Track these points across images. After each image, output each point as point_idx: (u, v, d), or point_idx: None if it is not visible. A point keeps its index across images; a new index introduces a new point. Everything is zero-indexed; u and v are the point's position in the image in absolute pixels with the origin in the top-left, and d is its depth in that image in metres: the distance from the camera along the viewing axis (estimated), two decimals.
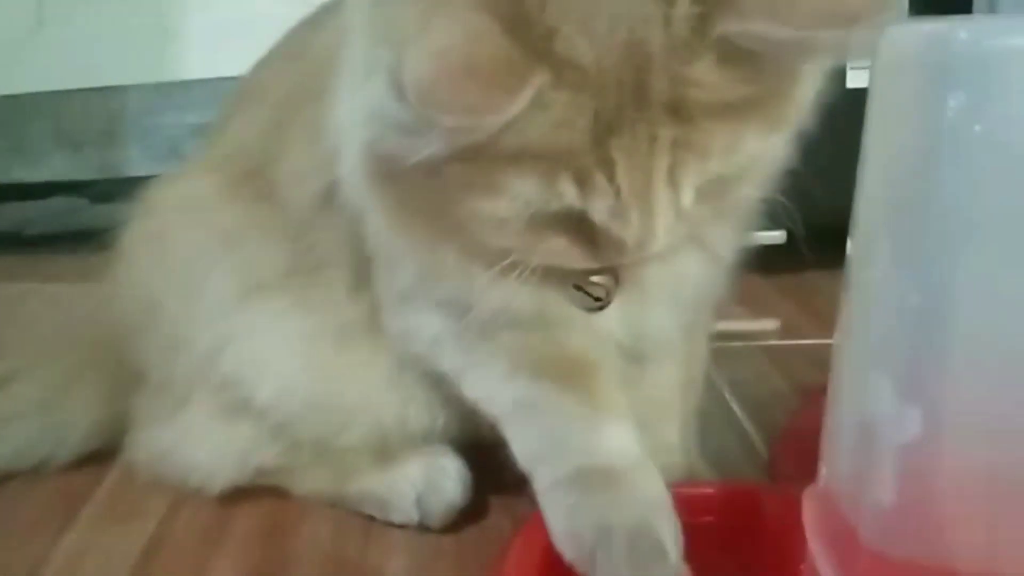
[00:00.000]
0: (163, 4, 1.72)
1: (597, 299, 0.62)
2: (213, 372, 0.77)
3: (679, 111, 0.50)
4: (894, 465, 0.48)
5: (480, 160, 0.51)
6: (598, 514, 0.59)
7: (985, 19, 0.45)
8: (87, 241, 0.83)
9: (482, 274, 0.60)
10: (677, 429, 0.74)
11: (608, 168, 0.51)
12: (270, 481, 0.81)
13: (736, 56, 0.49)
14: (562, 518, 0.60)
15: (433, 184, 0.54)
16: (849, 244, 0.53)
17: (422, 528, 0.76)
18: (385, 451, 0.77)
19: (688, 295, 0.67)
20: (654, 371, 0.73)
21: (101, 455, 0.88)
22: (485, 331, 0.65)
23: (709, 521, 0.66)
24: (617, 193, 0.51)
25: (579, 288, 0.62)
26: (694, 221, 0.56)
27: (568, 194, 0.52)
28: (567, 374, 0.65)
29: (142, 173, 0.86)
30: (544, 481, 0.63)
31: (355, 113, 0.59)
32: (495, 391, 0.67)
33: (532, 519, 0.62)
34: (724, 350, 0.96)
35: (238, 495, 0.81)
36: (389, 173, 0.57)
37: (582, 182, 0.51)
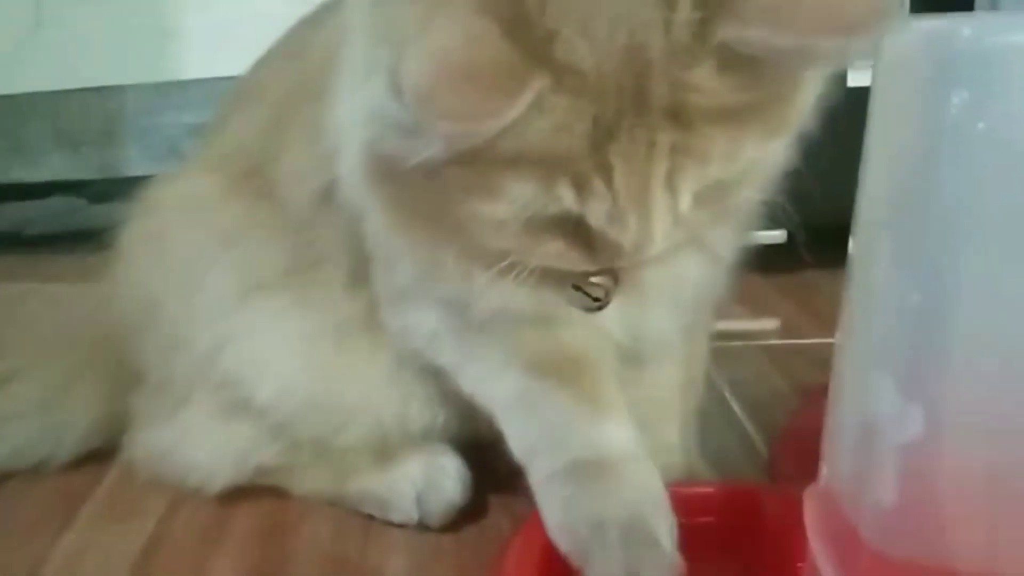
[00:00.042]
0: (161, 4, 1.72)
1: (596, 299, 0.62)
2: (213, 371, 0.77)
3: (678, 116, 0.50)
4: (895, 465, 0.48)
5: (479, 163, 0.50)
6: (592, 507, 0.59)
7: (988, 16, 0.45)
8: (86, 241, 0.83)
9: (481, 274, 0.60)
10: (677, 429, 0.74)
11: (606, 173, 0.51)
12: (269, 481, 0.81)
13: (736, 62, 0.49)
14: (557, 511, 0.60)
15: (432, 185, 0.54)
16: (851, 243, 0.52)
17: (422, 527, 0.76)
18: (385, 450, 0.77)
19: (688, 295, 0.67)
20: (654, 371, 0.73)
21: (100, 455, 0.88)
22: (483, 327, 0.65)
23: (709, 521, 0.66)
24: (615, 198, 0.51)
25: (578, 288, 0.62)
26: (693, 225, 0.56)
27: (566, 198, 0.52)
28: (564, 370, 0.65)
29: (141, 173, 0.86)
30: (539, 474, 0.63)
31: (355, 113, 0.59)
32: (492, 384, 0.67)
33: (531, 518, 0.62)
34: (724, 350, 0.96)
35: (237, 494, 0.81)
36: (388, 173, 0.56)
37: (580, 186, 0.51)
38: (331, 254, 0.72)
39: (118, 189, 0.87)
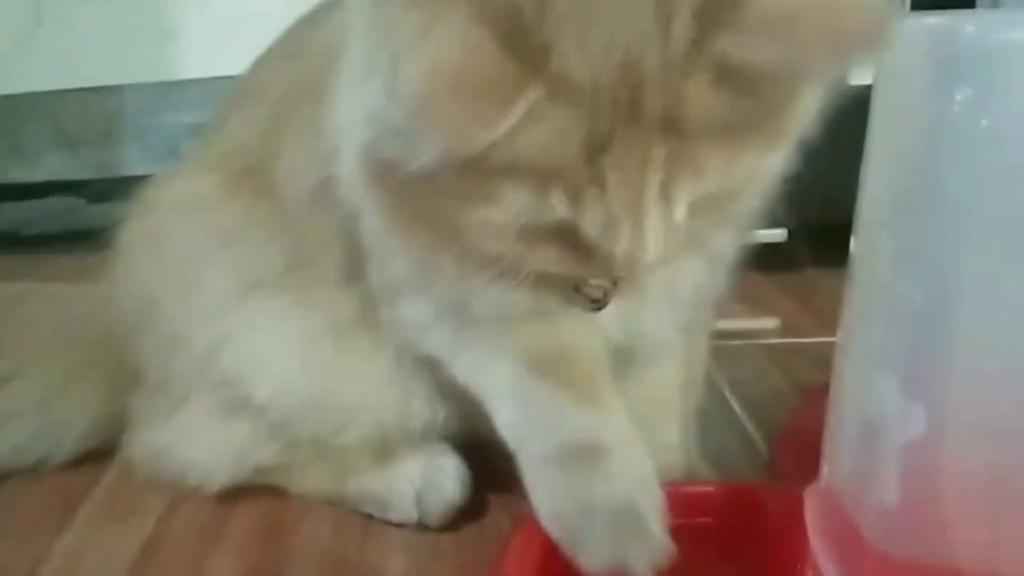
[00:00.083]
0: (161, 4, 1.71)
1: (595, 300, 0.62)
2: (211, 370, 0.77)
3: (673, 129, 0.50)
4: (897, 464, 0.48)
5: (474, 170, 0.50)
6: (580, 494, 0.59)
7: (990, 13, 0.45)
8: (85, 241, 0.83)
9: (478, 275, 0.60)
10: (677, 428, 0.74)
11: (600, 183, 0.51)
12: (268, 480, 0.81)
13: (733, 76, 0.48)
14: (547, 497, 0.60)
15: (429, 188, 0.54)
16: (852, 241, 0.52)
17: (421, 527, 0.76)
18: (384, 450, 0.77)
19: (686, 294, 0.67)
20: (654, 370, 0.73)
21: (99, 454, 0.88)
22: (477, 319, 0.65)
23: (709, 521, 0.65)
24: (608, 208, 0.51)
25: (577, 289, 0.62)
26: (689, 235, 0.56)
27: (560, 207, 0.51)
28: (557, 360, 0.64)
29: (140, 172, 0.86)
30: (529, 459, 0.63)
31: (354, 113, 0.59)
32: (484, 373, 0.67)
33: (530, 517, 0.62)
34: (724, 348, 0.96)
35: (236, 494, 0.81)
36: (386, 175, 0.56)
37: (574, 196, 0.51)
38: (327, 249, 0.71)
39: (117, 189, 0.87)
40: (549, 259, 0.56)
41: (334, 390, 0.74)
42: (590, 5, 0.49)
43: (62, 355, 0.91)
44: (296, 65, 0.74)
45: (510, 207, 0.52)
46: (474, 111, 0.47)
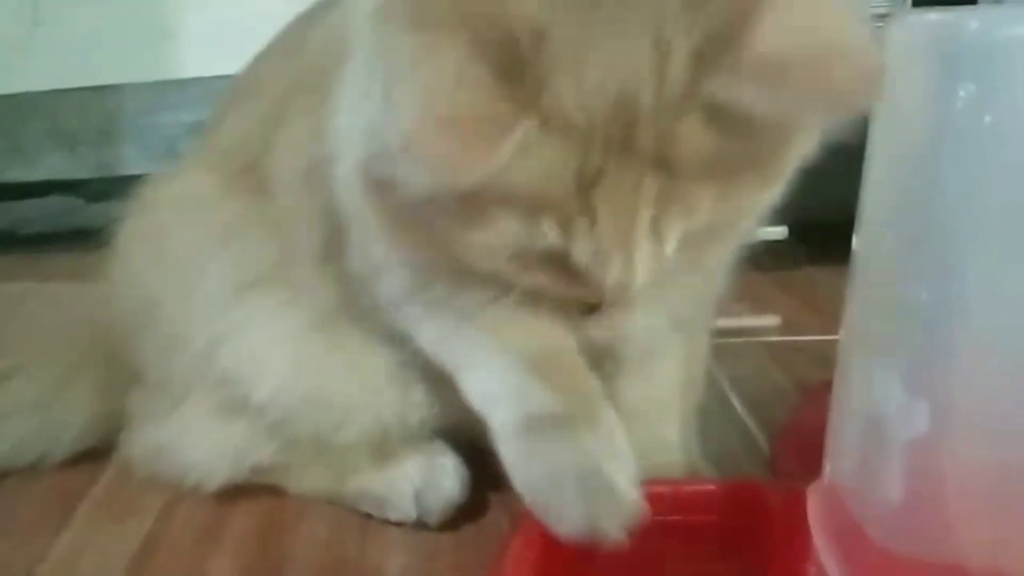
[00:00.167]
0: (159, 3, 1.72)
1: (589, 306, 0.62)
2: (210, 369, 0.76)
3: (665, 166, 0.50)
4: (901, 461, 0.47)
5: (466, 197, 0.50)
6: (549, 461, 0.59)
7: (993, 9, 0.45)
8: (83, 240, 0.83)
9: (472, 287, 0.61)
10: (677, 427, 0.74)
11: (590, 216, 0.51)
12: (267, 479, 0.80)
13: (725, 118, 0.48)
14: (517, 465, 0.61)
15: (425, 206, 0.54)
16: (854, 238, 0.52)
17: (420, 526, 0.75)
18: (383, 448, 0.77)
19: (675, 295, 0.66)
20: (653, 369, 0.72)
21: (97, 453, 0.88)
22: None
23: (711, 519, 0.65)
24: (598, 240, 0.51)
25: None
26: (681, 264, 0.56)
27: (550, 235, 0.52)
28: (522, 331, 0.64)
29: (138, 172, 0.85)
30: (500, 426, 0.62)
31: (353, 127, 0.59)
32: (452, 342, 0.67)
33: (530, 516, 0.61)
34: (725, 346, 0.95)
35: (235, 493, 0.80)
36: (384, 190, 0.57)
37: (565, 226, 0.51)
38: (310, 235, 0.71)
39: (116, 188, 0.86)
40: (541, 280, 0.57)
41: (332, 388, 0.74)
42: (587, 40, 0.48)
43: (61, 354, 0.91)
44: (295, 62, 0.74)
45: (502, 232, 0.52)
46: (465, 148, 0.47)
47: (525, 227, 0.52)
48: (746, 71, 0.46)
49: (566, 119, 0.48)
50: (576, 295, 0.58)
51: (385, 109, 0.48)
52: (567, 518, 0.57)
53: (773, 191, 0.55)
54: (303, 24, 0.78)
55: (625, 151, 0.49)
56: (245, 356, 0.76)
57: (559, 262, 0.54)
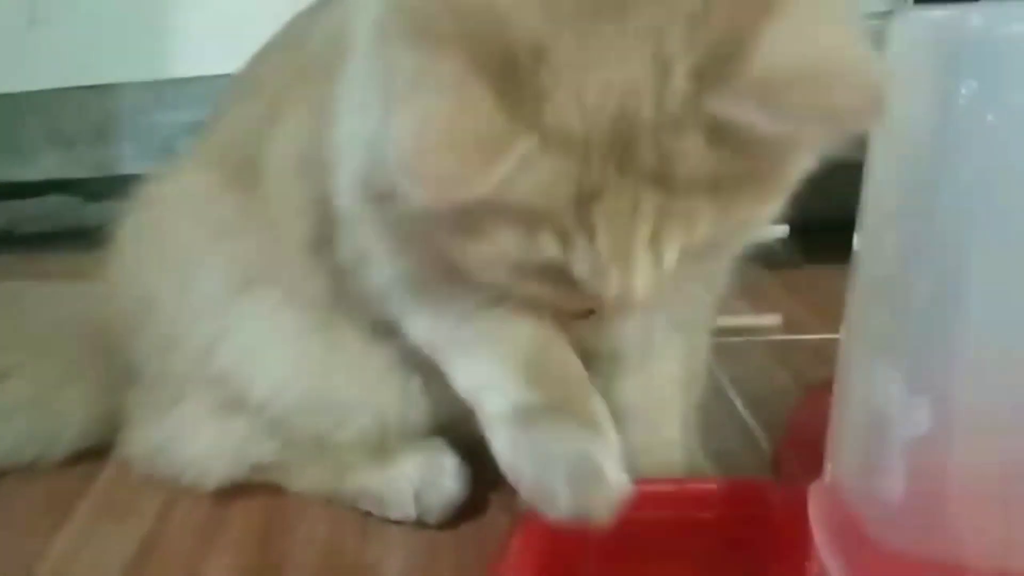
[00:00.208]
0: (157, 2, 1.71)
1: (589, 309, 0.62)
2: (208, 368, 0.76)
3: (664, 182, 0.49)
4: (903, 459, 0.47)
5: (465, 210, 0.50)
6: (537, 449, 0.59)
7: (996, 6, 0.45)
8: (81, 239, 0.83)
9: (471, 292, 0.61)
10: (678, 425, 0.74)
11: (589, 231, 0.51)
12: (266, 478, 0.80)
13: (725, 135, 0.48)
14: (506, 452, 0.60)
15: (423, 217, 0.54)
16: (856, 237, 0.52)
17: (419, 524, 0.75)
18: (383, 447, 0.77)
19: (672, 296, 0.66)
20: (653, 367, 0.72)
21: (95, 452, 0.88)
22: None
23: (712, 517, 0.65)
24: (596, 255, 0.51)
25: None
26: (681, 276, 0.56)
27: (549, 249, 0.52)
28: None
29: (136, 171, 0.85)
30: (488, 413, 0.62)
31: (353, 138, 0.60)
32: (439, 330, 0.66)
33: (530, 515, 0.61)
34: (726, 345, 0.96)
35: (234, 492, 0.80)
36: (382, 200, 0.57)
37: (563, 240, 0.51)
38: (299, 223, 0.71)
39: (113, 187, 0.86)
40: (540, 291, 0.57)
41: (330, 385, 0.74)
42: (587, 56, 0.48)
43: (58, 353, 0.91)
44: (295, 58, 0.74)
45: (501, 245, 0.52)
46: (464, 166, 0.47)
47: (524, 241, 0.52)
48: (747, 89, 0.46)
49: (566, 135, 0.48)
50: (576, 305, 0.58)
51: (385, 125, 0.48)
52: (557, 504, 0.57)
53: (773, 206, 0.54)
54: (303, 22, 0.78)
55: (624, 167, 0.49)
56: (244, 354, 0.76)
57: (558, 273, 0.54)
